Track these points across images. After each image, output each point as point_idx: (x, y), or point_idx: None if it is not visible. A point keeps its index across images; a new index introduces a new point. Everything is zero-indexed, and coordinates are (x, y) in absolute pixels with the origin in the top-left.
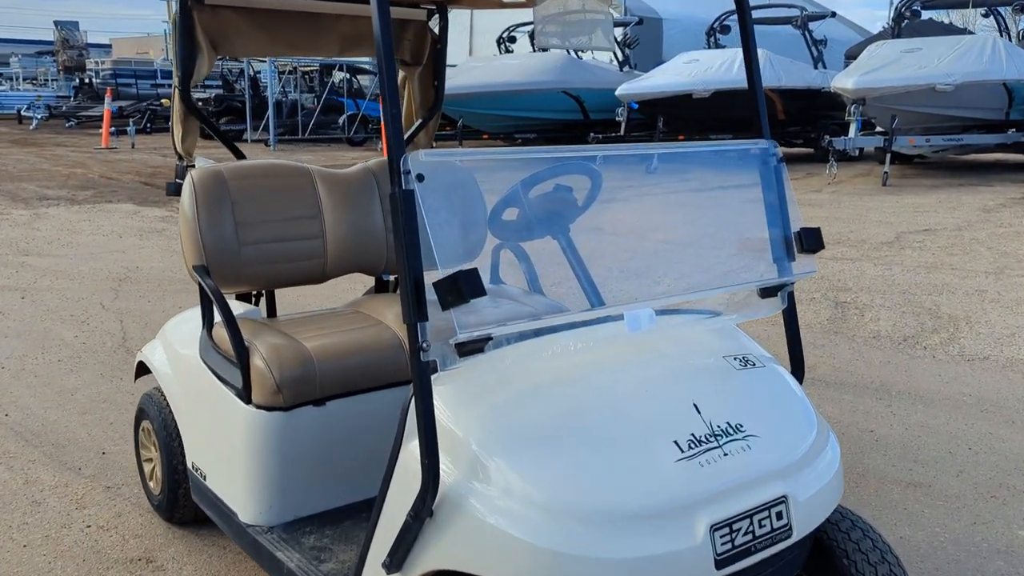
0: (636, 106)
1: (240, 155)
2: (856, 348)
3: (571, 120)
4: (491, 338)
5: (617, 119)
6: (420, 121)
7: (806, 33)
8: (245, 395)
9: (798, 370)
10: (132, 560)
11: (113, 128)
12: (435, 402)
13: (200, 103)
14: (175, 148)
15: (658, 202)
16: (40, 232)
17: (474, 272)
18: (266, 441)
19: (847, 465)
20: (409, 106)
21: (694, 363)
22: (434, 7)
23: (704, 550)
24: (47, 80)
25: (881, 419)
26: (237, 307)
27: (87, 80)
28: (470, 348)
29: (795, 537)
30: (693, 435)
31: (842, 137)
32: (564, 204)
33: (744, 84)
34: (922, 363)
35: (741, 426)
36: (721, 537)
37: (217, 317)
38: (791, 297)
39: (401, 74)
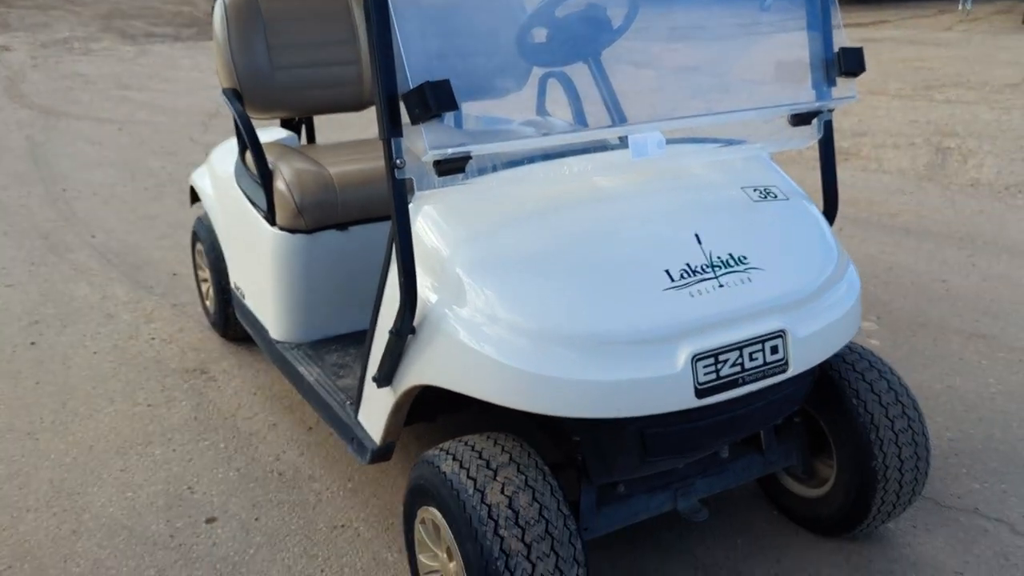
0: None
1: None
2: (949, 196)
3: None
4: (470, 157)
5: None
6: None
7: None
8: (270, 217)
9: (831, 208)
10: (188, 370)
11: None
12: (421, 225)
13: None
14: None
15: (688, 19)
16: (142, 68)
17: (444, 84)
18: (290, 262)
19: (908, 314)
20: None
21: (704, 193)
22: None
23: (684, 378)
24: None
25: (958, 269)
26: (276, 133)
27: None
28: (448, 168)
29: (791, 372)
30: (688, 265)
31: None
32: (597, 26)
33: None
34: (1021, 214)
35: (745, 258)
36: (704, 367)
37: None
38: (829, 127)
39: None
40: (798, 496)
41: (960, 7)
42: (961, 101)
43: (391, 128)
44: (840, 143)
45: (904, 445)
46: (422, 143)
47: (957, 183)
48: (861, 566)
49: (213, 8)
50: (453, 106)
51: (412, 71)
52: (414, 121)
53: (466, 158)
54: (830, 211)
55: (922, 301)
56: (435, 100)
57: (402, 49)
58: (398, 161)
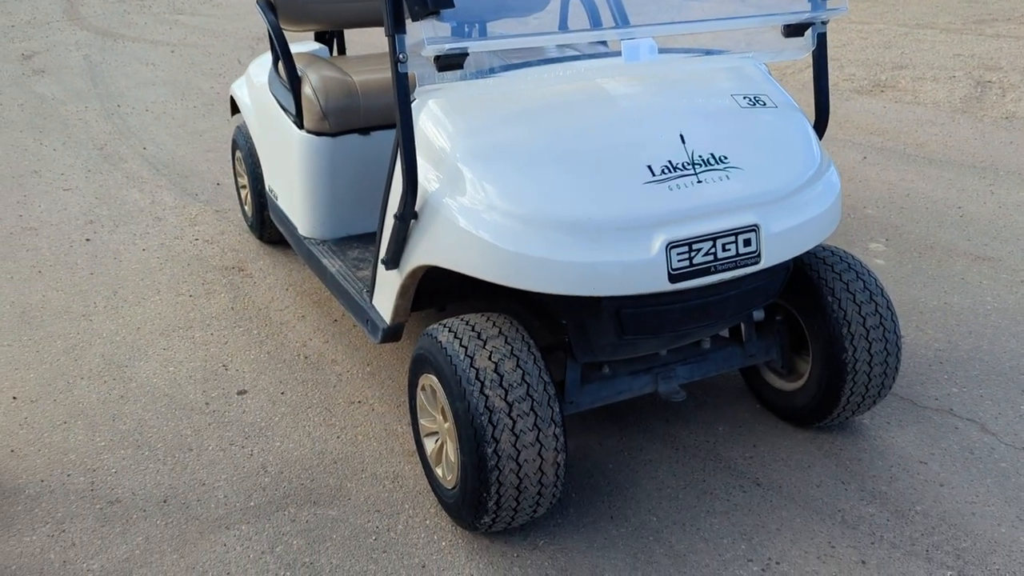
0: None
1: None
2: (980, 128)
3: None
4: (467, 53)
5: None
6: None
7: None
8: (299, 121)
9: (821, 120)
10: (228, 268)
11: None
12: (424, 120)
13: None
14: None
15: None
16: None
17: None
18: (316, 163)
19: (918, 237)
20: None
21: (695, 98)
22: None
23: (657, 263)
24: None
25: (976, 197)
26: (309, 46)
27: None
28: (447, 64)
29: (762, 265)
30: (670, 162)
31: None
32: None
33: None
34: None
35: (725, 158)
36: (678, 254)
37: None
38: (822, 40)
39: None
40: (777, 389)
41: None
42: (1011, 36)
43: (395, 25)
44: (879, 75)
45: (874, 341)
46: (421, 39)
47: (991, 116)
48: (832, 453)
49: None
50: (449, 3)
51: None
52: (413, 17)
53: (463, 55)
54: (821, 123)
55: (934, 225)
56: None
57: None
58: (400, 56)
